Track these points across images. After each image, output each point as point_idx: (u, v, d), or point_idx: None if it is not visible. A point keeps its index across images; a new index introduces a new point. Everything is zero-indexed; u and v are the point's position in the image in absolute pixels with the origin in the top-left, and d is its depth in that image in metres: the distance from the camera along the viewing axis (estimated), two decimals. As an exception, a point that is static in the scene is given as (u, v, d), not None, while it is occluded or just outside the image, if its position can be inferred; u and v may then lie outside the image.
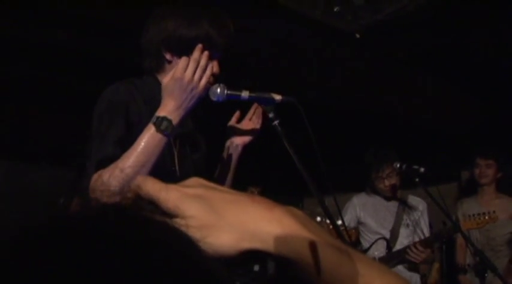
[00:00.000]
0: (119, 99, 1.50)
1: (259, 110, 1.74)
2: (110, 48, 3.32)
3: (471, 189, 3.75)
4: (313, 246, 0.42)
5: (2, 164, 4.87)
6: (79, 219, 0.32)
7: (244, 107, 1.71)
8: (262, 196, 0.47)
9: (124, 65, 2.39)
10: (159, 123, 1.40)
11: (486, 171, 3.51)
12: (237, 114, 1.78)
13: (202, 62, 1.45)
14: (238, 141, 1.76)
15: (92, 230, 0.31)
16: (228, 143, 1.77)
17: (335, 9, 3.01)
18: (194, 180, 0.48)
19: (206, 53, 1.46)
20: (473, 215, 3.16)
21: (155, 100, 1.48)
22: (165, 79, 1.46)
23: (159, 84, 1.58)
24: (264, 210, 0.44)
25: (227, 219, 0.43)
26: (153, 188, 0.45)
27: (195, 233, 0.38)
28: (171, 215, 0.43)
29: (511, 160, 3.76)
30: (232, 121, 1.77)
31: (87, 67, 3.48)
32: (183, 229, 0.36)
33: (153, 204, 0.44)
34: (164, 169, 1.52)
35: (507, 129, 4.02)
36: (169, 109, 1.42)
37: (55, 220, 0.32)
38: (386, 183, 3.23)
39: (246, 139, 1.76)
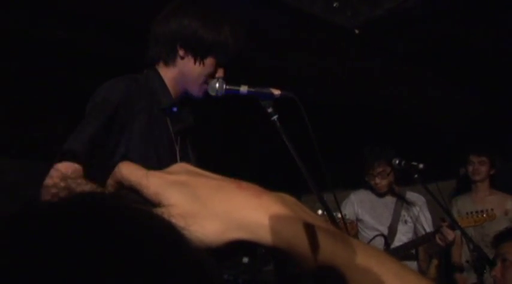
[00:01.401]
0: (112, 99, 1.48)
1: None
2: (110, 46, 3.30)
3: (469, 186, 3.75)
4: (304, 235, 0.39)
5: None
6: (56, 208, 0.31)
7: (243, 102, 1.69)
8: (249, 183, 0.44)
9: (124, 62, 2.37)
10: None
11: (479, 168, 3.49)
12: None
13: None
14: None
15: (68, 220, 0.29)
16: None
17: (334, 5, 2.99)
18: (179, 166, 0.46)
19: None
20: (471, 213, 3.14)
21: (156, 95, 1.47)
22: None
23: (161, 79, 1.58)
24: (251, 197, 0.41)
25: (211, 207, 0.40)
26: (135, 175, 0.43)
27: (178, 223, 0.36)
28: (154, 203, 0.41)
29: (505, 157, 3.75)
30: None
31: (86, 64, 3.46)
32: (167, 218, 0.34)
33: (135, 192, 0.42)
34: (166, 166, 1.51)
35: (506, 125, 4.01)
36: None
37: (26, 211, 0.30)
38: (377, 180, 3.24)
39: None
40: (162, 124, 1.57)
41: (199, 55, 1.52)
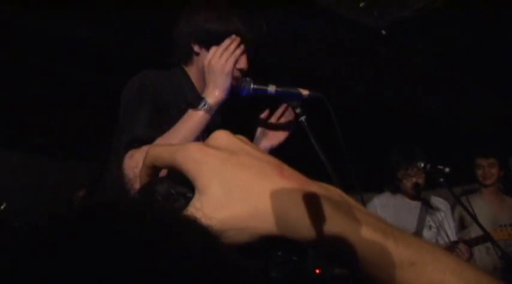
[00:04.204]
0: (147, 83, 1.49)
1: (290, 111, 1.63)
2: (132, 43, 3.32)
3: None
4: (354, 238, 0.36)
5: (20, 157, 4.94)
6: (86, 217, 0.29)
7: (270, 102, 1.67)
8: (291, 168, 0.40)
9: (146, 60, 2.38)
10: (196, 104, 1.41)
11: (490, 170, 3.36)
12: (266, 112, 1.70)
13: (232, 47, 1.44)
14: (266, 144, 1.66)
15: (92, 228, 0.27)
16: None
17: (361, 5, 2.95)
18: (221, 136, 0.41)
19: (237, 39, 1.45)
20: (504, 225, 3.05)
21: (183, 92, 1.47)
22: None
23: (187, 76, 1.57)
24: (292, 192, 0.37)
25: (249, 199, 0.37)
26: (167, 151, 0.39)
27: (208, 214, 0.34)
28: (190, 182, 0.38)
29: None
30: (261, 120, 1.70)
31: (107, 62, 3.48)
32: (198, 219, 0.32)
33: (169, 177, 0.39)
34: None
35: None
36: (207, 92, 1.43)
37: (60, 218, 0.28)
38: (414, 180, 3.15)
39: (275, 142, 1.67)
40: None
41: (212, 47, 1.51)
